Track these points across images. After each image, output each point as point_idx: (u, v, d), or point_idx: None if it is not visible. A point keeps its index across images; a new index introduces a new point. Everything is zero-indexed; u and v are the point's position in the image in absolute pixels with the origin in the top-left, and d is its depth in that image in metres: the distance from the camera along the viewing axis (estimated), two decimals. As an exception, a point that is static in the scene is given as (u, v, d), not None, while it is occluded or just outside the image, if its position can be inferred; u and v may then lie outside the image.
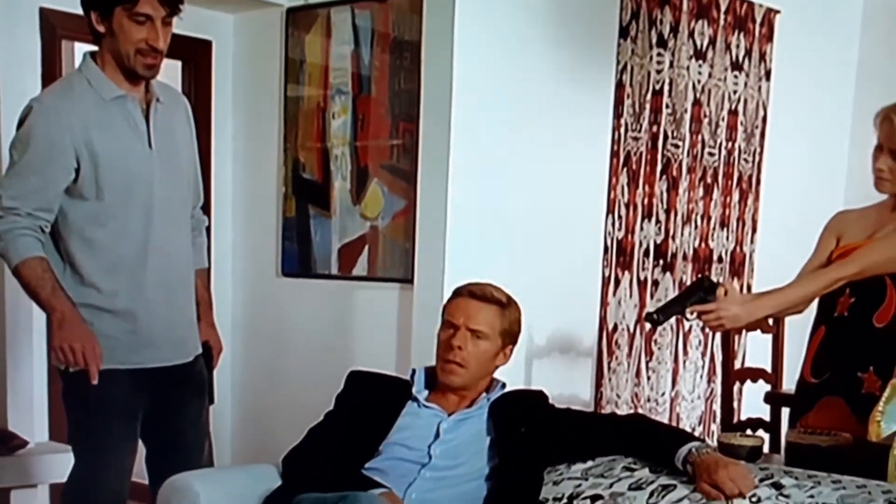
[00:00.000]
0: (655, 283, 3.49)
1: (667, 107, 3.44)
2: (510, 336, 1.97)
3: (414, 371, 2.03)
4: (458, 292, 1.98)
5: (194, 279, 2.22)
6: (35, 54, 2.99)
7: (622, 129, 3.33)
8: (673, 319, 2.70)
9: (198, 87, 3.40)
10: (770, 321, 2.90)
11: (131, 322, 2.07)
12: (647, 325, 3.30)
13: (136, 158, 2.05)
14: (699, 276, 3.32)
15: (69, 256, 2.05)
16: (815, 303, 2.23)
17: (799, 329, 2.48)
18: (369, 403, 1.97)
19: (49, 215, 2.01)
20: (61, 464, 2.89)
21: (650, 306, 3.36)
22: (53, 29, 3.05)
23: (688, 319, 2.13)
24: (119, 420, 2.09)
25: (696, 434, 3.37)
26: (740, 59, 3.69)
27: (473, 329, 1.92)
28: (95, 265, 2.04)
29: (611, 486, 1.82)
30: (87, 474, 2.12)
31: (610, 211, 3.34)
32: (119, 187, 2.03)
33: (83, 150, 2.00)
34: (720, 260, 3.72)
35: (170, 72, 2.79)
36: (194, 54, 3.38)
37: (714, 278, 3.63)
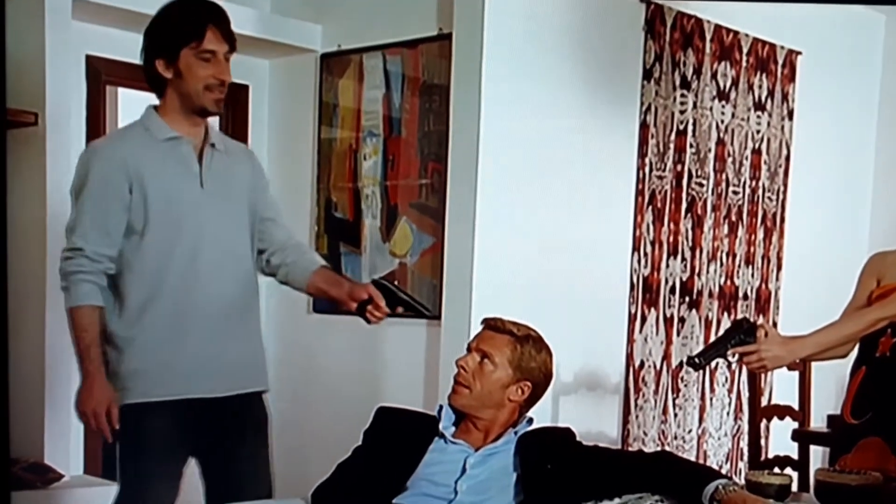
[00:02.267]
0: (682, 321, 3.51)
1: (691, 146, 3.49)
2: (524, 371, 1.95)
3: (441, 407, 2.05)
4: (481, 323, 2.02)
5: (255, 314, 2.22)
6: (81, 100, 3.11)
7: (647, 168, 3.37)
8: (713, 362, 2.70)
9: (235, 130, 3.50)
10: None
11: (166, 353, 2.08)
12: (690, 369, 3.29)
13: (186, 197, 2.09)
14: (737, 318, 3.32)
15: (115, 289, 2.10)
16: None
17: (826, 366, 2.48)
18: (397, 439, 1.97)
19: (111, 256, 2.06)
20: (96, 497, 2.94)
21: (683, 353, 3.38)
22: (99, 75, 3.17)
23: (729, 362, 2.14)
24: (156, 453, 2.10)
25: (724, 472, 3.35)
26: (763, 99, 3.73)
27: (480, 350, 1.93)
28: (137, 297, 2.08)
29: (638, 522, 1.83)
30: None
31: (636, 248, 3.37)
32: (166, 223, 2.07)
33: (135, 184, 2.06)
34: (745, 297, 3.73)
35: (208, 115, 2.88)
36: (232, 98, 3.47)
37: (751, 319, 3.63)
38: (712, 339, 3.25)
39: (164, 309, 2.09)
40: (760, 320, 3.65)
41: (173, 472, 2.14)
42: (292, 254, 2.25)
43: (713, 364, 3.63)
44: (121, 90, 3.47)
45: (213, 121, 3.45)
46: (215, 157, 2.15)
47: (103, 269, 2.06)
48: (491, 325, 1.98)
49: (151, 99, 3.23)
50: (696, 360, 2.14)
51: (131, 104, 3.75)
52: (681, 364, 3.51)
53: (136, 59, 3.17)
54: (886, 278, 2.20)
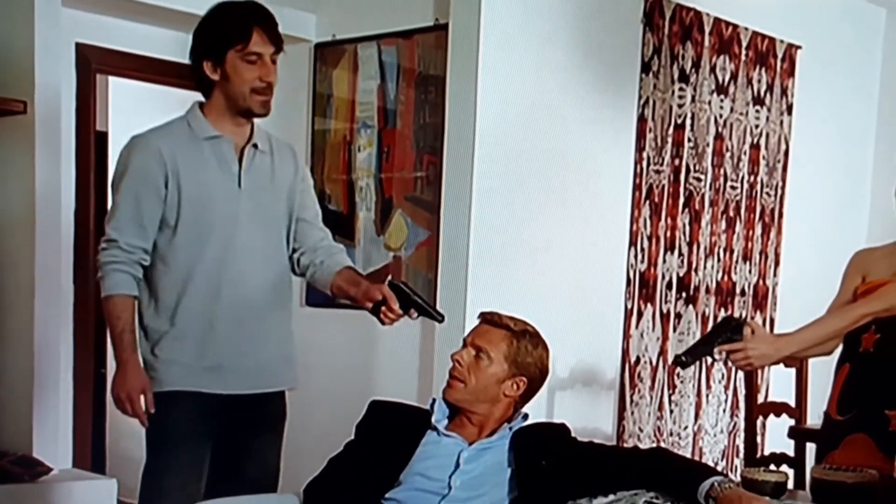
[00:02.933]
0: (678, 316, 3.49)
1: (689, 140, 3.46)
2: (520, 366, 1.94)
3: (434, 400, 2.03)
4: (478, 318, 2.00)
5: (286, 313, 2.24)
6: (70, 89, 3.08)
7: (644, 163, 3.35)
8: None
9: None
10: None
11: (195, 347, 2.11)
12: (677, 368, 3.28)
13: (222, 195, 2.12)
14: (725, 316, 3.32)
15: (149, 281, 2.13)
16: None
17: (822, 363, 2.46)
18: (389, 433, 1.97)
19: (146, 248, 2.10)
20: (84, 491, 2.94)
21: (679, 349, 3.35)
22: (89, 63, 3.14)
23: (716, 360, 2.13)
24: (181, 442, 2.12)
25: (719, 469, 3.33)
26: (762, 93, 3.71)
27: (476, 345, 1.92)
28: (170, 290, 2.11)
29: (633, 519, 1.81)
30: (150, 494, 2.16)
31: (633, 243, 3.35)
32: (199, 219, 2.10)
33: (171, 178, 2.08)
34: (743, 293, 3.71)
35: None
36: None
37: (738, 314, 3.62)
38: (709, 335, 3.23)
39: (196, 305, 2.12)
40: (748, 318, 3.64)
41: (198, 461, 2.16)
42: (322, 254, 2.27)
43: (709, 361, 3.63)
44: (111, 79, 3.44)
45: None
46: (257, 157, 2.17)
47: (137, 260, 2.10)
48: (487, 319, 1.96)
49: (142, 88, 3.20)
50: (683, 358, 2.13)
51: (122, 93, 3.73)
52: (681, 367, 3.48)
53: (127, 48, 3.18)
54: (871, 274, 2.21)
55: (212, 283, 2.11)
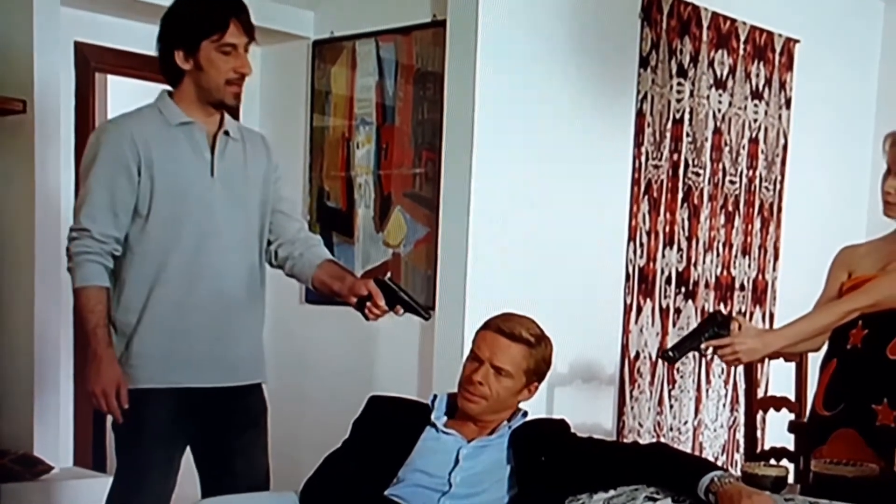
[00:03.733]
0: (678, 311, 3.49)
1: (687, 135, 3.46)
2: (536, 374, 1.97)
3: (435, 396, 2.03)
4: (488, 324, 1.96)
5: (260, 305, 2.20)
6: (70, 88, 3.07)
7: (643, 158, 3.34)
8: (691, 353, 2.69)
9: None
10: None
11: (169, 340, 2.07)
12: (668, 363, 3.29)
13: (195, 184, 2.06)
14: (712, 311, 3.31)
15: (119, 272, 2.07)
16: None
17: (821, 358, 2.46)
18: (388, 429, 1.97)
19: (118, 237, 2.04)
20: (85, 489, 2.93)
21: (687, 326, 3.36)
22: (88, 62, 3.13)
23: (704, 355, 2.13)
24: (153, 441, 2.09)
25: (720, 464, 3.34)
26: (760, 87, 3.70)
27: (497, 366, 1.92)
28: (140, 283, 2.06)
29: (633, 515, 1.81)
30: (120, 494, 2.13)
31: (631, 238, 3.35)
32: (171, 208, 2.04)
33: (144, 165, 2.02)
34: (742, 288, 3.71)
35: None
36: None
37: (737, 309, 3.62)
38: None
39: (167, 297, 2.06)
40: (747, 313, 3.64)
41: (170, 460, 2.13)
42: (300, 247, 2.23)
43: (709, 355, 3.63)
44: (110, 77, 3.43)
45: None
46: (229, 145, 2.12)
47: (110, 251, 2.04)
48: (506, 333, 1.94)
49: (141, 87, 3.18)
50: (670, 353, 2.13)
51: (121, 92, 3.72)
52: (668, 362, 3.49)
53: (125, 46, 3.17)
54: (857, 270, 2.21)
55: (185, 274, 2.06)
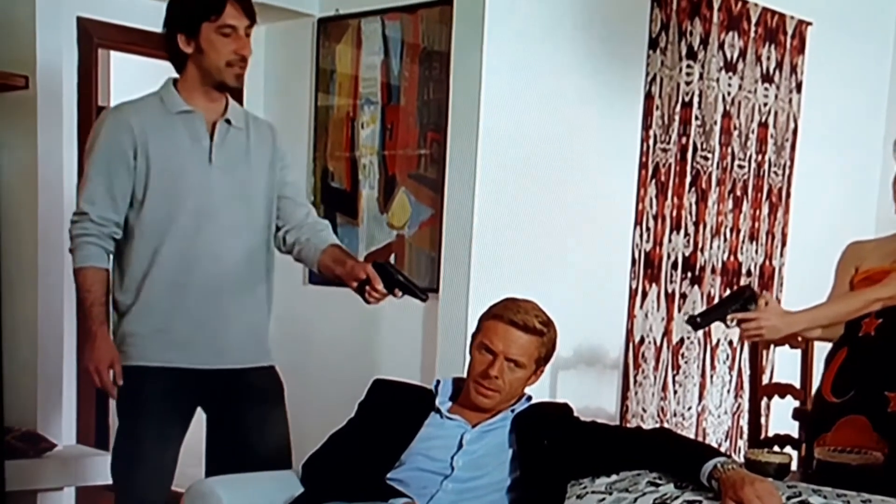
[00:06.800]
0: (683, 296, 3.46)
1: (696, 119, 3.42)
2: (545, 360, 1.99)
3: (439, 381, 2.03)
4: (498, 317, 1.94)
5: (261, 290, 2.23)
6: (72, 63, 3.05)
7: (651, 141, 3.31)
8: (700, 330, 2.67)
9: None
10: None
11: (161, 321, 2.12)
12: (688, 329, 3.26)
13: (191, 169, 2.12)
14: (741, 285, 3.30)
15: (118, 255, 2.15)
16: None
17: (827, 346, 2.45)
18: (392, 412, 1.97)
19: (118, 221, 2.11)
20: (88, 467, 2.95)
21: (693, 310, 3.36)
22: (90, 38, 3.11)
23: (728, 326, 2.15)
24: (147, 416, 2.13)
25: (723, 450, 3.33)
26: (771, 71, 3.66)
27: (512, 359, 1.92)
28: (137, 264, 2.12)
29: (635, 500, 1.81)
30: (115, 466, 2.19)
31: (638, 223, 3.32)
32: (168, 193, 2.10)
33: (140, 152, 2.09)
34: (749, 273, 3.69)
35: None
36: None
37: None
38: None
39: (162, 278, 2.12)
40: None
41: (164, 436, 2.16)
42: (307, 232, 2.28)
43: (714, 342, 3.62)
44: (113, 53, 3.41)
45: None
46: (230, 132, 2.16)
47: (109, 234, 2.11)
48: (519, 325, 1.92)
49: (144, 63, 3.17)
50: (697, 319, 2.16)
51: (124, 68, 3.70)
52: (681, 341, 3.48)
53: (129, 22, 3.15)
54: (866, 264, 2.24)
55: (182, 256, 2.11)
